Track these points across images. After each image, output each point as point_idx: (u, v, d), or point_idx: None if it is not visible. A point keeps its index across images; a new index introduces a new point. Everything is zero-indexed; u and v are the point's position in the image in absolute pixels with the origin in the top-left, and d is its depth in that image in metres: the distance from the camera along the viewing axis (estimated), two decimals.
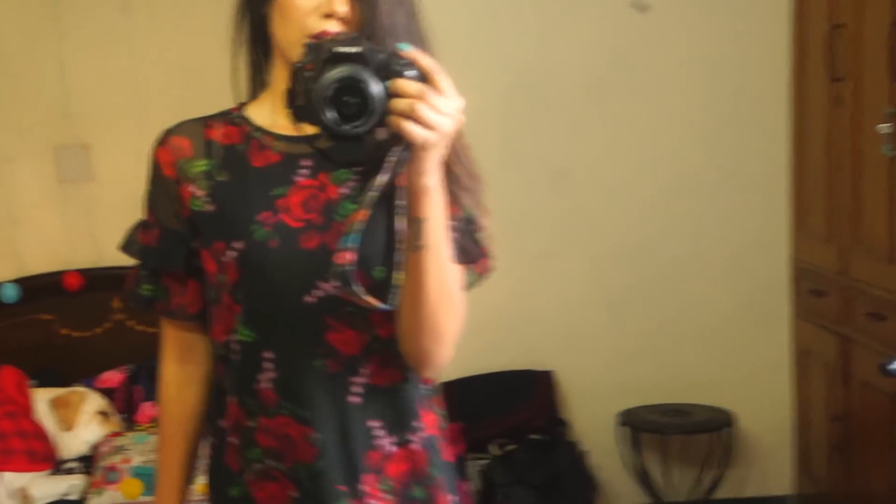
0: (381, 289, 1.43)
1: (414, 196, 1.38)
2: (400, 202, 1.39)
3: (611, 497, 4.30)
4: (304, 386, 1.51)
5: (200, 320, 1.63)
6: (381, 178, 1.36)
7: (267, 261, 1.49)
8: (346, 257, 1.37)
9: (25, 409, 3.80)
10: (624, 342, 4.28)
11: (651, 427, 4.14)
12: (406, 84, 1.31)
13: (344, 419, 1.52)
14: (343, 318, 1.50)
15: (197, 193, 1.56)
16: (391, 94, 1.31)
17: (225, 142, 1.58)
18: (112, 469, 3.55)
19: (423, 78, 1.32)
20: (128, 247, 1.67)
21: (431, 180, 1.37)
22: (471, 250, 1.56)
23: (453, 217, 1.48)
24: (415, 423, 1.56)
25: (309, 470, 1.52)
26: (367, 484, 1.53)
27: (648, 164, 4.23)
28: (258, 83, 1.62)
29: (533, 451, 4.05)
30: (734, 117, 4.20)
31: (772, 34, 4.13)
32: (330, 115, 1.31)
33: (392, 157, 1.35)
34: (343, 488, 1.52)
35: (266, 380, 1.52)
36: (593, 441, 4.24)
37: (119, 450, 3.63)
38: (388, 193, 1.39)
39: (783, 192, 4.20)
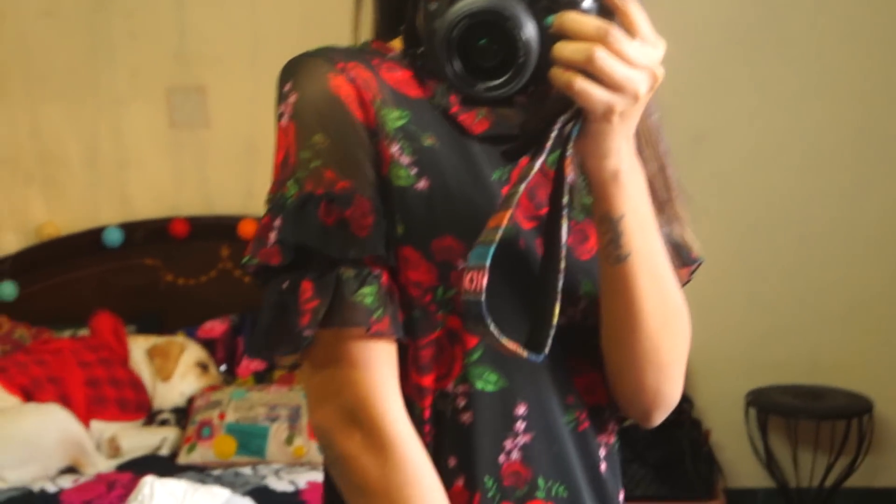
0: (533, 329, 0.96)
1: (600, 187, 0.96)
2: (566, 200, 0.95)
3: (733, 479, 4.12)
4: (565, 453, 1.07)
5: None
6: (535, 164, 0.92)
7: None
8: (477, 280, 0.90)
9: (121, 357, 3.71)
10: (759, 317, 4.08)
11: (781, 410, 3.92)
12: (580, 20, 0.87)
13: (600, 496, 1.10)
14: (587, 353, 1.08)
15: (401, 160, 1.02)
16: (554, 36, 0.87)
17: (410, 92, 1.06)
18: (206, 424, 3.43)
19: (607, 12, 0.90)
20: (302, 231, 1.00)
21: (623, 162, 0.94)
22: (683, 249, 1.15)
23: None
24: (622, 491, 1.18)
25: None
26: None
27: (796, 130, 3.99)
28: (391, 21, 1.13)
29: (653, 427, 3.85)
30: (892, 84, 3.92)
31: None
32: (455, 67, 0.87)
33: (555, 132, 0.91)
34: None
35: (517, 448, 1.04)
36: (718, 420, 4.06)
37: (215, 405, 3.49)
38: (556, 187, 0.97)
39: None
